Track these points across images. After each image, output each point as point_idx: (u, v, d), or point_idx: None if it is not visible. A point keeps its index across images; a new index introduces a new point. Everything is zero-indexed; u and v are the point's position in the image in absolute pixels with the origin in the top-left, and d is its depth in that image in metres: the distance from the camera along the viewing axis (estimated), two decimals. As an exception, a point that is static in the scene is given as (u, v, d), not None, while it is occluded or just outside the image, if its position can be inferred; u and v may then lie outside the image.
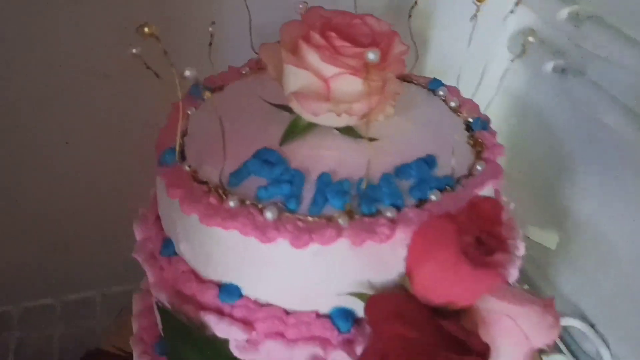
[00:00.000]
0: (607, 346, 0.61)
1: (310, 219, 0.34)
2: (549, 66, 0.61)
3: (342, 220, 0.34)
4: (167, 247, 0.39)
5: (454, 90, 0.45)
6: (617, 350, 0.60)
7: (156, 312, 0.38)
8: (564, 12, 0.59)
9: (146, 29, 0.31)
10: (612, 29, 0.55)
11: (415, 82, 0.47)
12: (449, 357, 0.31)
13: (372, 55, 0.32)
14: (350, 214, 0.34)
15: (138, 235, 0.42)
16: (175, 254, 0.39)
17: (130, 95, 0.57)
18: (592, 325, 0.62)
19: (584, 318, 0.63)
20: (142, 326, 0.46)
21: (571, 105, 0.61)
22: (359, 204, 0.35)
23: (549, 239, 0.66)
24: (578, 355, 0.62)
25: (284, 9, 0.42)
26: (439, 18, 0.66)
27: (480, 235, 0.31)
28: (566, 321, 0.64)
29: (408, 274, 0.34)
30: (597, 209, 0.61)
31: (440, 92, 0.45)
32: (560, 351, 0.63)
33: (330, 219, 0.34)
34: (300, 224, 0.34)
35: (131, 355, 0.46)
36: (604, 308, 0.62)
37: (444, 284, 0.32)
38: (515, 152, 0.70)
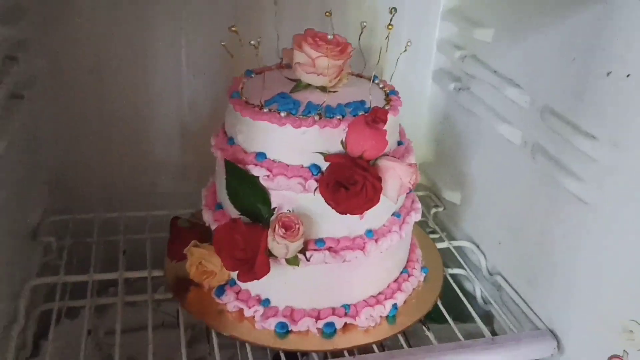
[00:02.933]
0: (485, 257, 0.97)
1: (301, 117, 0.73)
2: (452, 86, 1.01)
3: (316, 117, 0.72)
4: (230, 141, 0.78)
5: (383, 80, 0.85)
6: (490, 258, 0.96)
7: (222, 170, 0.76)
8: (457, 54, 1.00)
9: (233, 28, 0.72)
10: (482, 63, 0.96)
11: (363, 76, 0.87)
12: (360, 173, 0.69)
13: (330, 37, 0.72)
14: (320, 116, 0.73)
15: (213, 141, 0.81)
16: (234, 143, 0.78)
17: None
18: (477, 246, 0.99)
19: (472, 242, 1.00)
20: (207, 200, 0.84)
21: (465, 111, 1.01)
22: (325, 113, 0.73)
23: (455, 197, 1.04)
24: (469, 265, 0.98)
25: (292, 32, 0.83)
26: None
27: (375, 118, 0.70)
28: (464, 244, 1.00)
29: (345, 142, 0.72)
30: (483, 174, 0.99)
31: (376, 81, 0.85)
32: (460, 266, 0.99)
33: (310, 118, 0.73)
34: (296, 118, 0.73)
35: (203, 222, 0.83)
36: (485, 235, 0.98)
37: (359, 141, 0.70)
38: (435, 143, 1.10)
